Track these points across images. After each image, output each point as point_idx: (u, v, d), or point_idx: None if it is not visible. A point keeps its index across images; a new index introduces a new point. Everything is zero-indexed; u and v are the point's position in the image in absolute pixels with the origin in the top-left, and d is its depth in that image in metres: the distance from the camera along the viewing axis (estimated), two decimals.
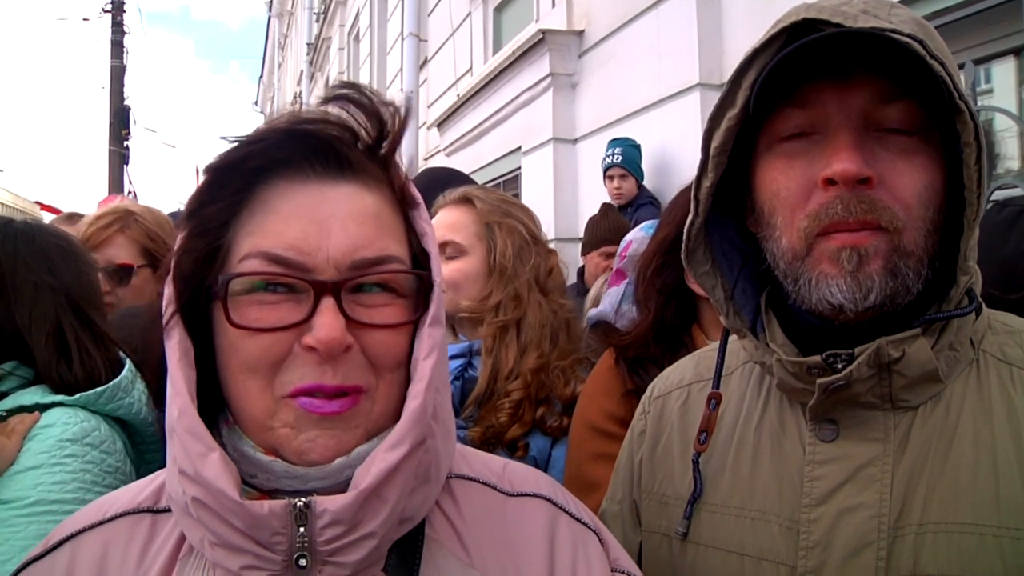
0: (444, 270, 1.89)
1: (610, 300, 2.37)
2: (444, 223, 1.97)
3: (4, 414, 1.55)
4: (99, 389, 1.63)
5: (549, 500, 0.94)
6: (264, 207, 0.82)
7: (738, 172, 1.05)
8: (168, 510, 0.88)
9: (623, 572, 0.93)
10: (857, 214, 0.91)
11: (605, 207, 4.87)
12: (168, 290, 0.83)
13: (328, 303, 0.78)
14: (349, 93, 0.85)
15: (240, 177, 0.82)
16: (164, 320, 0.83)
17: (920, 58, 0.86)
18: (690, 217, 1.06)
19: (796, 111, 0.95)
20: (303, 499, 0.76)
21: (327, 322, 0.77)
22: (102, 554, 0.86)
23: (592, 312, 2.42)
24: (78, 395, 1.60)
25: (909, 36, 0.88)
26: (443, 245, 1.93)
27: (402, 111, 0.87)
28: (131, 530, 0.88)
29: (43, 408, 1.57)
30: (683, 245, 1.08)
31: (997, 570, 0.86)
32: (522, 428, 1.81)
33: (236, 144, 0.83)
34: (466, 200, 1.99)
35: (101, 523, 0.89)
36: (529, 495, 0.94)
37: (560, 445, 1.83)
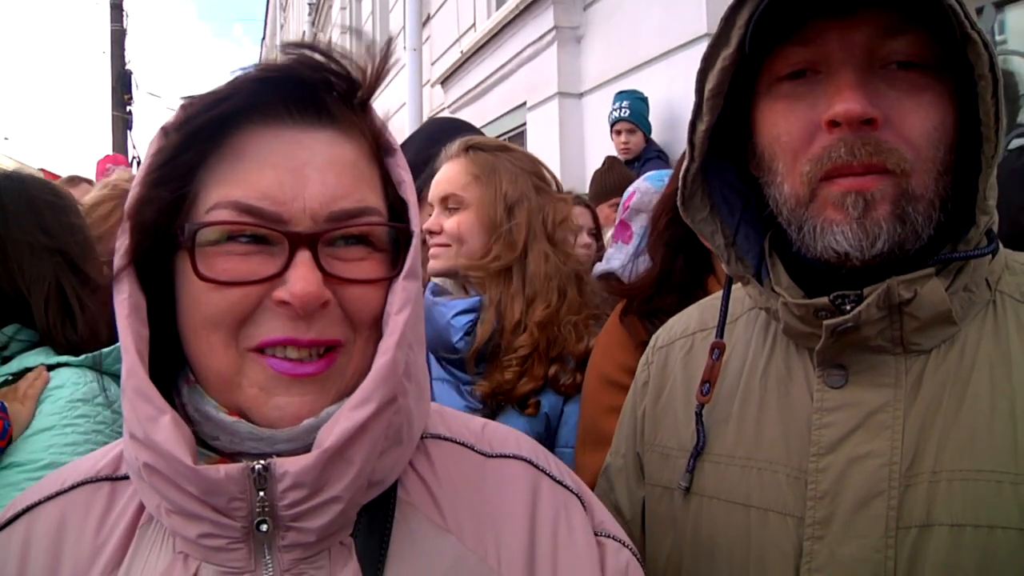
0: (447, 223, 1.89)
1: (617, 253, 2.34)
2: (444, 176, 1.94)
3: (11, 377, 1.53)
4: (106, 350, 1.60)
5: (530, 462, 0.91)
6: (235, 154, 0.76)
7: (737, 114, 1.01)
8: (127, 477, 0.84)
9: (608, 535, 0.90)
10: (862, 157, 0.86)
11: (610, 160, 4.81)
12: (122, 240, 0.78)
13: (304, 256, 0.74)
14: (309, 46, 0.80)
15: (209, 123, 0.76)
16: (115, 272, 0.77)
17: None
18: (685, 163, 1.01)
19: (796, 49, 0.91)
20: (261, 462, 0.72)
21: (303, 275, 0.73)
22: (58, 526, 0.83)
23: (598, 266, 2.39)
24: (84, 355, 1.57)
25: None
26: (444, 199, 1.91)
27: (377, 58, 0.82)
28: (89, 499, 0.84)
29: (49, 369, 1.55)
30: (679, 192, 1.03)
31: (1014, 518, 0.83)
32: (532, 383, 1.78)
33: (205, 95, 0.78)
34: (465, 151, 1.96)
35: (59, 493, 0.85)
36: (509, 456, 0.90)
37: (573, 402, 1.80)
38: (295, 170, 0.76)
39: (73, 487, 0.86)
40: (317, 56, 0.79)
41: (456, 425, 0.93)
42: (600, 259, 2.50)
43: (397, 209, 0.84)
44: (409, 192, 0.84)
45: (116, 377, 1.61)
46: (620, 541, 0.90)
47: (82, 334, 1.60)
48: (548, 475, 0.90)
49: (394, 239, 0.82)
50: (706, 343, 1.12)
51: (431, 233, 1.91)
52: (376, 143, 0.84)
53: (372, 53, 0.82)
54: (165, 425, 0.72)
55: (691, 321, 1.21)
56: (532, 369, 1.78)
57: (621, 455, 1.23)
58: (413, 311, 0.80)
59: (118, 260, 0.77)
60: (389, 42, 0.84)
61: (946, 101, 0.89)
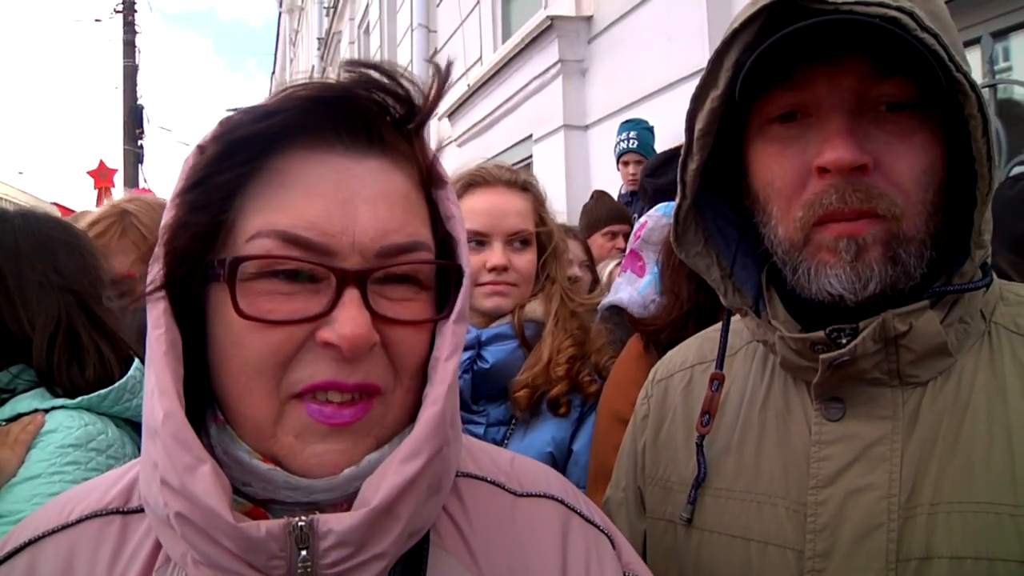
0: (518, 261, 1.85)
1: (626, 284, 2.30)
2: (512, 210, 1.87)
3: (3, 423, 1.46)
4: (103, 391, 1.53)
5: (560, 501, 0.88)
6: (280, 179, 0.71)
7: (729, 150, 1.02)
8: (140, 510, 0.78)
9: None
10: (853, 204, 0.87)
11: (597, 193, 4.80)
12: (155, 269, 0.72)
13: (353, 295, 0.69)
14: (373, 66, 0.75)
15: (250, 140, 0.70)
16: (149, 305, 0.72)
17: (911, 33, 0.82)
18: (677, 200, 1.02)
19: (786, 93, 0.92)
20: (303, 518, 0.67)
21: (352, 316, 0.68)
22: (65, 564, 0.76)
23: (608, 299, 2.36)
24: (80, 398, 1.50)
25: (898, 9, 0.83)
26: (514, 234, 1.85)
27: (434, 83, 0.76)
28: (99, 534, 0.78)
29: (46, 412, 1.47)
30: (671, 229, 1.04)
31: (1014, 550, 0.83)
32: (567, 383, 1.79)
33: (248, 109, 0.72)
34: (525, 184, 1.93)
35: (64, 527, 0.79)
36: (539, 495, 0.87)
37: (581, 438, 1.81)
38: (344, 201, 0.70)
39: (80, 520, 0.79)
40: (380, 76, 0.74)
41: (485, 461, 0.90)
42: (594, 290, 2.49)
43: (444, 244, 0.79)
44: (459, 228, 0.80)
45: (115, 419, 1.56)
46: None
47: (89, 377, 1.53)
48: (579, 514, 0.88)
49: (437, 277, 0.78)
50: (705, 376, 1.12)
51: (498, 269, 1.84)
52: (426, 173, 0.79)
53: (424, 81, 0.76)
54: (204, 476, 0.66)
55: (689, 354, 1.21)
56: (574, 370, 1.80)
57: (621, 488, 1.23)
58: (459, 357, 0.76)
59: (151, 290, 0.72)
60: (449, 66, 0.79)
61: (936, 141, 0.90)
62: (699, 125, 0.97)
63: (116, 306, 2.10)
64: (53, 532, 0.79)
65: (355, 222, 0.70)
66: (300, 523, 0.67)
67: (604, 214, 4.43)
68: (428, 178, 0.79)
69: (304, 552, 0.67)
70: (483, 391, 1.85)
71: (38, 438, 1.43)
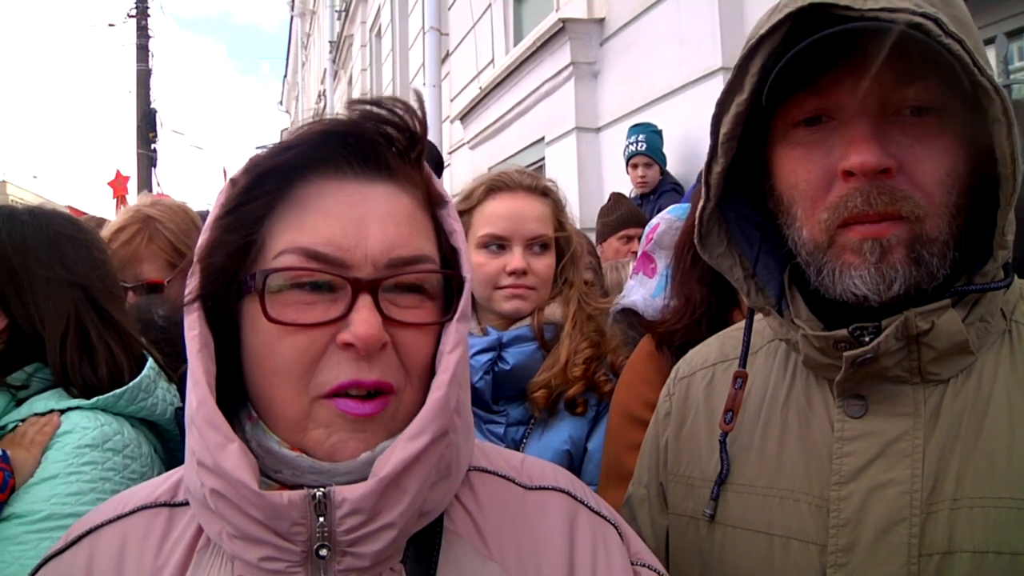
0: (538, 266, 1.88)
1: (638, 286, 2.31)
2: (532, 215, 1.90)
3: (21, 423, 1.46)
4: (118, 391, 1.53)
5: (568, 493, 0.94)
6: (302, 203, 0.82)
7: (752, 152, 1.03)
8: (185, 503, 0.88)
9: (644, 565, 0.92)
10: (877, 206, 0.89)
11: (615, 196, 4.83)
12: (192, 282, 0.83)
13: (366, 300, 0.79)
14: (375, 102, 0.86)
15: (275, 171, 0.83)
16: (185, 312, 0.83)
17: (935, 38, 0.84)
18: (701, 202, 1.04)
19: (810, 97, 0.94)
20: (322, 489, 0.76)
21: (365, 318, 0.77)
22: (120, 549, 0.87)
23: (620, 301, 2.37)
24: (96, 398, 1.51)
25: (923, 15, 0.85)
26: (534, 239, 1.89)
27: (419, 114, 0.87)
28: (148, 524, 0.89)
29: (60, 413, 1.47)
30: (695, 230, 1.06)
31: None
32: (584, 383, 1.83)
33: (273, 147, 0.84)
34: (545, 189, 1.96)
35: (119, 518, 0.90)
36: (548, 488, 0.94)
37: (596, 438, 1.83)
38: (357, 220, 0.81)
39: (133, 512, 0.90)
40: (380, 111, 0.85)
41: (497, 459, 0.98)
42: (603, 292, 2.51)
43: (448, 256, 0.89)
44: (460, 241, 0.89)
45: (131, 419, 1.56)
46: (655, 571, 0.93)
47: (102, 375, 1.53)
48: (586, 505, 0.94)
49: (444, 286, 0.87)
50: (727, 374, 1.14)
51: (517, 273, 1.87)
52: (430, 195, 0.89)
53: (415, 114, 0.87)
54: (233, 453, 0.76)
55: (711, 352, 1.23)
56: (591, 370, 1.84)
57: (643, 485, 1.24)
58: (463, 351, 0.85)
59: (187, 298, 0.83)
60: (419, 97, 0.89)
61: (959, 144, 0.91)
62: (724, 128, 0.98)
63: (167, 320, 2.02)
64: (110, 522, 0.90)
65: (367, 238, 0.81)
66: (319, 492, 0.76)
67: (620, 217, 4.45)
68: (431, 199, 0.90)
69: (322, 519, 0.76)
70: (503, 392, 1.87)
71: (54, 439, 1.44)
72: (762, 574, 1.00)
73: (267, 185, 0.82)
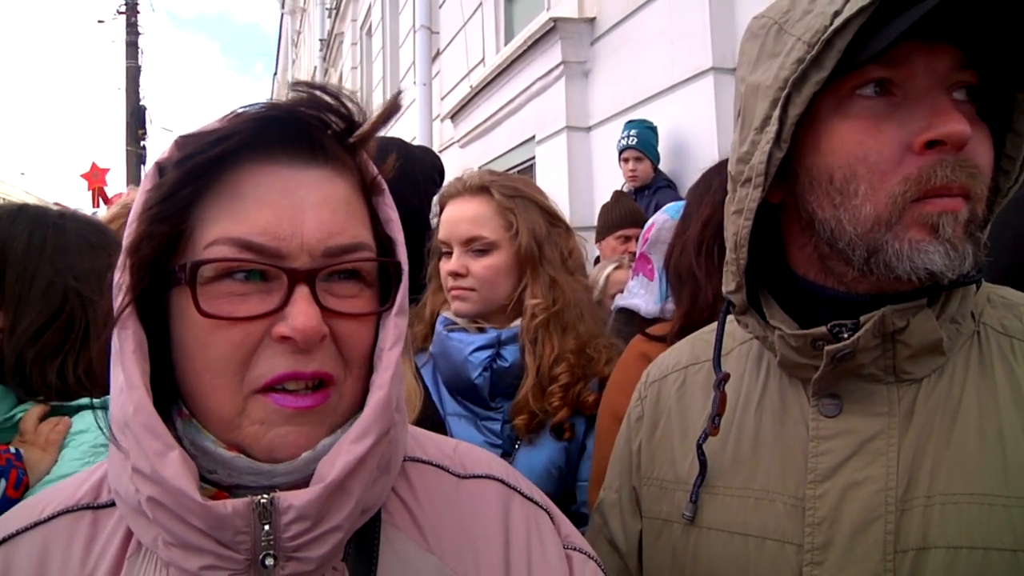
0: (476, 268, 1.88)
1: (638, 288, 2.29)
2: (467, 216, 1.91)
3: (15, 418, 1.46)
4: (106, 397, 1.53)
5: (501, 481, 0.95)
6: (232, 191, 0.78)
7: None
8: (110, 505, 0.84)
9: (575, 548, 0.93)
10: (961, 179, 0.87)
11: (617, 194, 4.84)
12: (122, 277, 0.78)
13: (303, 291, 0.76)
14: (314, 86, 0.82)
15: (206, 161, 0.78)
16: (117, 310, 0.78)
17: (996, 26, 0.83)
18: (750, 191, 0.97)
19: (877, 68, 0.90)
20: (265, 496, 0.73)
21: (303, 310, 0.74)
22: (40, 557, 0.81)
23: (619, 298, 2.36)
24: (105, 398, 1.45)
25: None
26: (470, 240, 1.89)
27: (383, 108, 0.84)
28: (71, 528, 0.83)
29: (71, 412, 1.49)
30: (740, 230, 0.99)
31: (1007, 539, 0.85)
32: (569, 411, 1.81)
33: (202, 130, 0.80)
34: (484, 189, 1.93)
35: (37, 524, 0.84)
36: (481, 476, 0.94)
37: (592, 435, 1.82)
38: (292, 207, 0.77)
39: (53, 517, 0.84)
40: (324, 96, 0.81)
41: (431, 447, 0.97)
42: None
43: (384, 245, 0.87)
44: (396, 230, 0.87)
45: None
46: (585, 553, 0.94)
47: (71, 382, 1.50)
48: (519, 492, 0.95)
49: (380, 275, 0.85)
50: (698, 376, 1.15)
51: (455, 275, 1.90)
52: (367, 183, 0.86)
53: (385, 102, 0.85)
54: (174, 461, 0.72)
55: (682, 355, 1.23)
56: (571, 396, 1.82)
57: (615, 490, 1.24)
58: (403, 346, 0.83)
59: (120, 298, 0.78)
60: (397, 94, 0.88)
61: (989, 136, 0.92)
62: (795, 111, 0.92)
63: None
64: (27, 529, 0.84)
65: (302, 226, 0.77)
66: (263, 500, 0.73)
67: (618, 217, 4.44)
68: (368, 186, 0.87)
69: (267, 527, 0.73)
70: (501, 389, 1.88)
71: (69, 438, 1.46)
72: (738, 575, 1.00)
73: (195, 171, 0.77)
